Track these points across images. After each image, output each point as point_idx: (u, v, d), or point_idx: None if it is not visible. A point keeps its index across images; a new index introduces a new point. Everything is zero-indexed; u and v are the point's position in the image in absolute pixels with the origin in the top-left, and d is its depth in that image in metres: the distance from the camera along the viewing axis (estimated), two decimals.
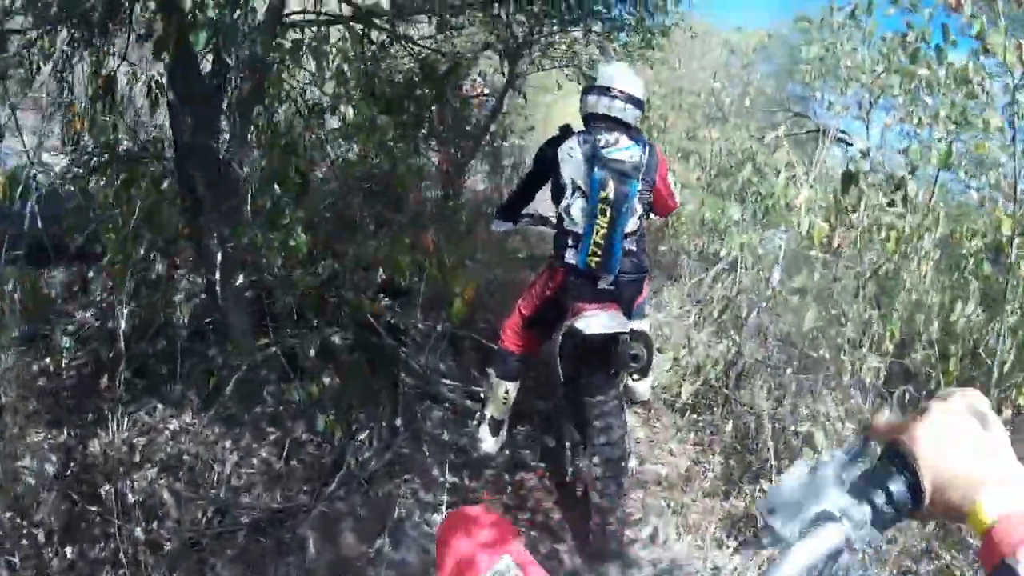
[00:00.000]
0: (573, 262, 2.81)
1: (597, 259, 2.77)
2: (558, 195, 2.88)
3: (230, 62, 2.55)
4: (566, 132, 2.90)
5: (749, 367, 3.90)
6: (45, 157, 3.55)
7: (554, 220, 3.07)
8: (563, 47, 5.12)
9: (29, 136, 3.14)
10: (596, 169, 2.75)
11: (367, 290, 3.18)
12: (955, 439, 0.67)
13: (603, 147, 2.79)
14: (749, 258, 4.27)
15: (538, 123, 6.53)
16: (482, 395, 3.46)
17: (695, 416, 3.93)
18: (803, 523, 0.69)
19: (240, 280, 2.82)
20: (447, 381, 3.54)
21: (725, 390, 3.87)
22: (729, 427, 3.76)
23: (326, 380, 2.80)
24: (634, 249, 2.89)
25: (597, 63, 4.83)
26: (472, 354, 3.88)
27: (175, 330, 3.02)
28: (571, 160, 2.81)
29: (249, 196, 2.48)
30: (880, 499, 0.68)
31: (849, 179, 3.14)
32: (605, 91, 2.89)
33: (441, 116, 4.42)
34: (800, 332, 4.24)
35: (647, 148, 2.87)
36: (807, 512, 0.70)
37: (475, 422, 3.35)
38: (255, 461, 2.73)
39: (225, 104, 2.82)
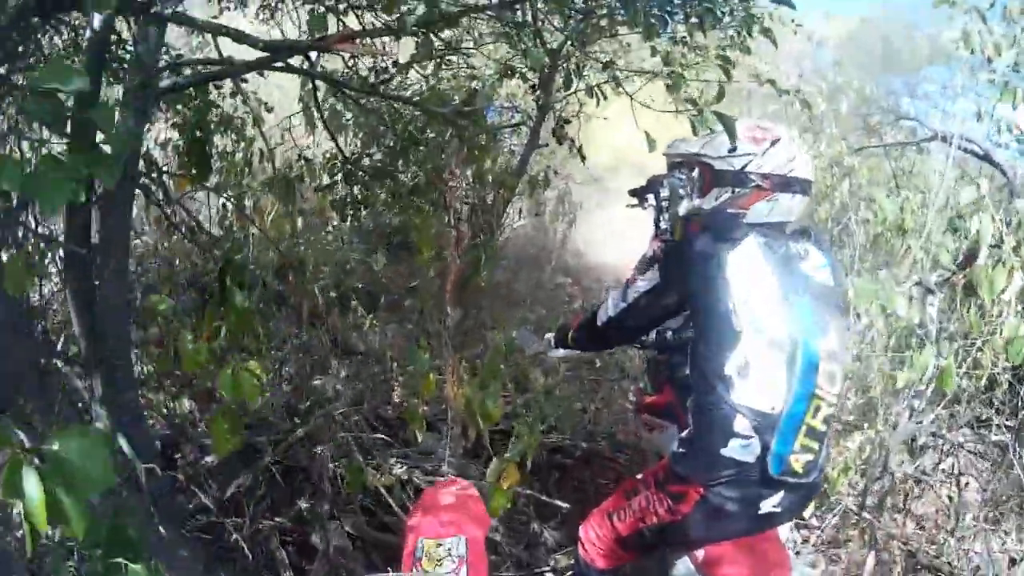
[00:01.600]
0: (747, 460, 1.55)
1: (810, 457, 1.57)
2: (720, 343, 1.57)
3: None
4: (728, 228, 1.62)
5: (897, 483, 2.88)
6: None
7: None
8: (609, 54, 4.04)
9: None
10: (806, 301, 1.59)
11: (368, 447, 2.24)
12: None
13: (802, 261, 1.64)
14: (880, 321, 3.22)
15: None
16: None
17: (825, 544, 2.93)
18: None
19: None
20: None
21: (864, 513, 2.86)
22: (871, 562, 2.75)
23: None
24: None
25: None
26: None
27: None
28: (749, 279, 1.55)
29: None
30: None
31: None
32: (808, 187, 1.73)
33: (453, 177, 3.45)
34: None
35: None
36: None
37: None
38: None
39: None
